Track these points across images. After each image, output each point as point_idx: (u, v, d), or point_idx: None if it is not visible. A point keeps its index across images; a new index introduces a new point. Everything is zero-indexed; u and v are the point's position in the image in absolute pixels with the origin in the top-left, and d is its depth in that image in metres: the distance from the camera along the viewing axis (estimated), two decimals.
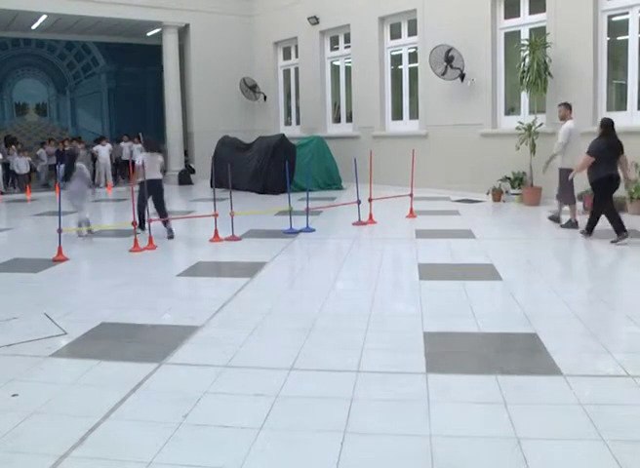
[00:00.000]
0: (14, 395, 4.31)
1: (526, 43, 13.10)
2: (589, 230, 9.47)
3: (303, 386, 4.29)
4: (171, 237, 10.46)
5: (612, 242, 9.04)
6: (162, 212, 10.73)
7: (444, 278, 7.29)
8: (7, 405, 4.17)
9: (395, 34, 17.43)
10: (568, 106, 10.78)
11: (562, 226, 10.47)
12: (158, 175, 10.95)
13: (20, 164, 20.26)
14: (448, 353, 4.90)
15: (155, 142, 11.87)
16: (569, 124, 10.55)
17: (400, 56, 17.46)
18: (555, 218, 10.80)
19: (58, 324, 5.86)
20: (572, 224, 10.32)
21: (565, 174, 10.18)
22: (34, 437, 3.73)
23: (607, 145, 9.24)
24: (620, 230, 9.06)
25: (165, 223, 10.67)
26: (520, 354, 4.96)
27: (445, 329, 5.42)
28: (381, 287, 7.09)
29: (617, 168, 9.33)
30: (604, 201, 9.29)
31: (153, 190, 10.52)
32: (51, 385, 4.47)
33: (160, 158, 11.38)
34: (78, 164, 11.66)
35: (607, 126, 9.38)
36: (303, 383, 4.34)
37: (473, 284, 6.97)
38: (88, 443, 3.62)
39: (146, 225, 10.14)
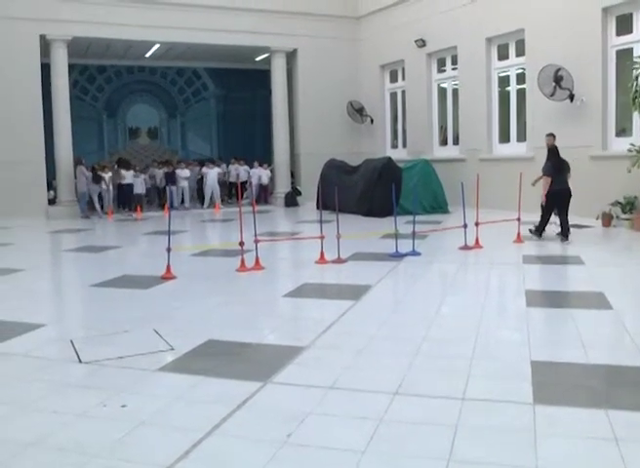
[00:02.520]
0: (123, 406, 4.45)
1: (639, 61, 12.71)
2: (564, 233, 11.58)
3: (408, 411, 4.26)
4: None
5: (530, 230, 12.06)
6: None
7: (552, 306, 7.13)
8: (116, 414, 4.31)
9: (503, 55, 17.27)
10: (553, 136, 12.43)
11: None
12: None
13: (137, 184, 20.97)
14: (555, 384, 4.77)
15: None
16: None
17: (507, 77, 17.27)
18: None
19: (165, 339, 6.02)
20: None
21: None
22: (141, 447, 3.85)
23: (553, 166, 11.73)
24: (540, 231, 11.98)
25: None
26: (632, 388, 4.74)
27: (553, 358, 5.28)
28: (488, 313, 6.99)
29: (565, 183, 11.78)
30: (551, 209, 11.84)
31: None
32: (158, 398, 4.60)
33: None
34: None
35: (552, 151, 11.94)
36: (408, 408, 4.31)
37: (582, 312, 6.78)
38: (192, 457, 3.71)
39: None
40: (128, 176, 20.67)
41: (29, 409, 4.44)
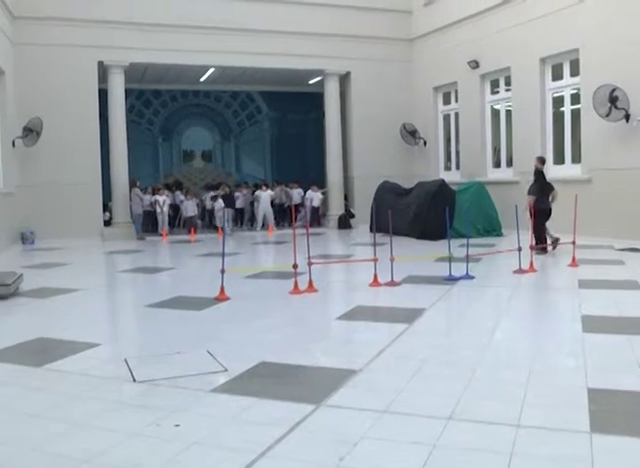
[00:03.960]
0: (176, 425, 4.48)
1: None
2: (543, 249, 13.01)
3: (462, 437, 4.19)
4: None
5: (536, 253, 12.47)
6: None
7: (609, 331, 6.96)
8: (170, 434, 4.33)
9: (557, 75, 17.11)
10: (542, 160, 14.00)
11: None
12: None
13: (188, 207, 21.27)
14: (613, 412, 4.64)
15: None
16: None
17: (562, 97, 17.10)
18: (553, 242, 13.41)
19: (219, 360, 6.04)
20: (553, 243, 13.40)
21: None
22: (195, 467, 3.87)
23: (540, 188, 13.26)
24: (544, 248, 13.08)
25: None
26: None
27: (610, 386, 5.14)
28: (543, 338, 6.88)
29: (548, 203, 13.20)
30: (541, 225, 13.04)
31: None
32: (211, 419, 4.61)
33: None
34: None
35: (538, 174, 13.58)
36: (462, 434, 4.24)
37: None
38: None
39: None
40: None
41: (84, 427, 4.50)
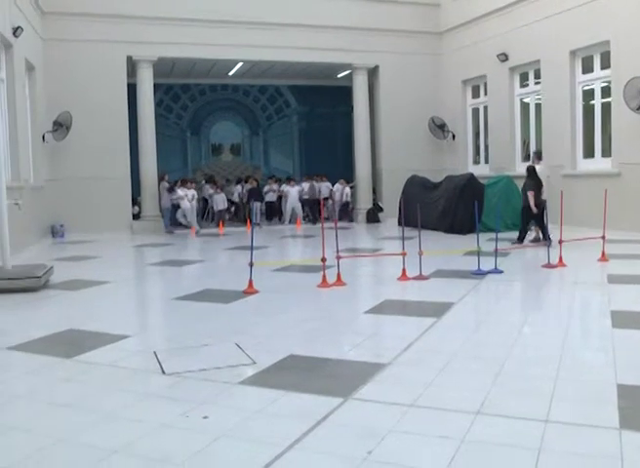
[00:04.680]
0: (204, 417, 4.50)
1: None
2: (546, 237, 13.18)
3: (490, 431, 4.17)
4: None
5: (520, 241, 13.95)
6: None
7: (639, 327, 6.91)
8: (198, 426, 4.36)
9: (587, 68, 16.92)
10: (538, 155, 15.01)
11: (530, 241, 14.15)
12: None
13: (218, 200, 21.35)
14: None
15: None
16: (539, 168, 14.22)
17: (592, 90, 16.91)
18: (536, 239, 14.14)
19: (247, 353, 6.07)
20: (535, 239, 14.17)
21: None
22: (223, 458, 3.89)
23: (535, 184, 13.73)
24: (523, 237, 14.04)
25: None
26: None
27: None
28: (572, 333, 6.82)
29: (542, 197, 13.62)
30: (528, 218, 13.94)
31: None
32: (239, 411, 4.62)
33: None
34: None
35: (531, 171, 14.04)
36: (490, 428, 4.22)
37: None
38: None
39: None
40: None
41: (114, 418, 4.54)
